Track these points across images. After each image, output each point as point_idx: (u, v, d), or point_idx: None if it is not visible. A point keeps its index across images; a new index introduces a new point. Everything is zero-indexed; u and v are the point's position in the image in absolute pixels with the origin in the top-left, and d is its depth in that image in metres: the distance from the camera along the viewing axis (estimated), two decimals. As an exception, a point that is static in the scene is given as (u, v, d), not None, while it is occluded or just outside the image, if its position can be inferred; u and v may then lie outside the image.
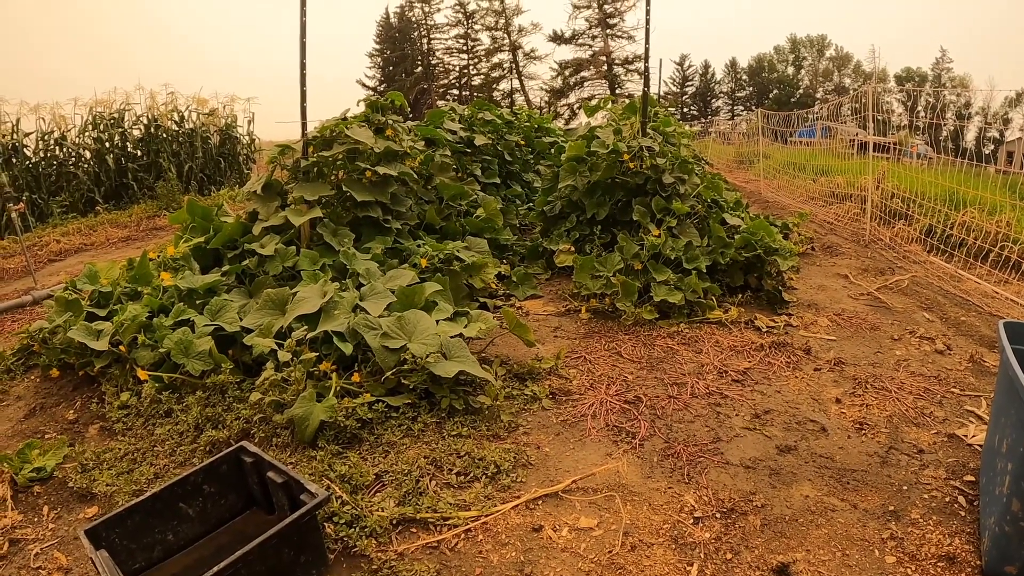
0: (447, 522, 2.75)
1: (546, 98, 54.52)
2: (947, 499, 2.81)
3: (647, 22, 6.30)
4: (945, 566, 2.41)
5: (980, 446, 3.17)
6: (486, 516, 2.78)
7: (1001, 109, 56.01)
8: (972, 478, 2.94)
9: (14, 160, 11.85)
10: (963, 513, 2.72)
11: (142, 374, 3.81)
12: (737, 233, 5.76)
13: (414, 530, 2.72)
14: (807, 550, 2.53)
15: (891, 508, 2.76)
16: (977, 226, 6.41)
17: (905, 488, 2.90)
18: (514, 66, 55.18)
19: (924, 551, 2.49)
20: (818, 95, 69.58)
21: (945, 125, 7.40)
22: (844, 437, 3.36)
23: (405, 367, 3.61)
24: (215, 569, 2.06)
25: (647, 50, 6.40)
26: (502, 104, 43.42)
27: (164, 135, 14.10)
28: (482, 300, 5.51)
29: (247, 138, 16.17)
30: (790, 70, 74.80)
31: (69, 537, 2.85)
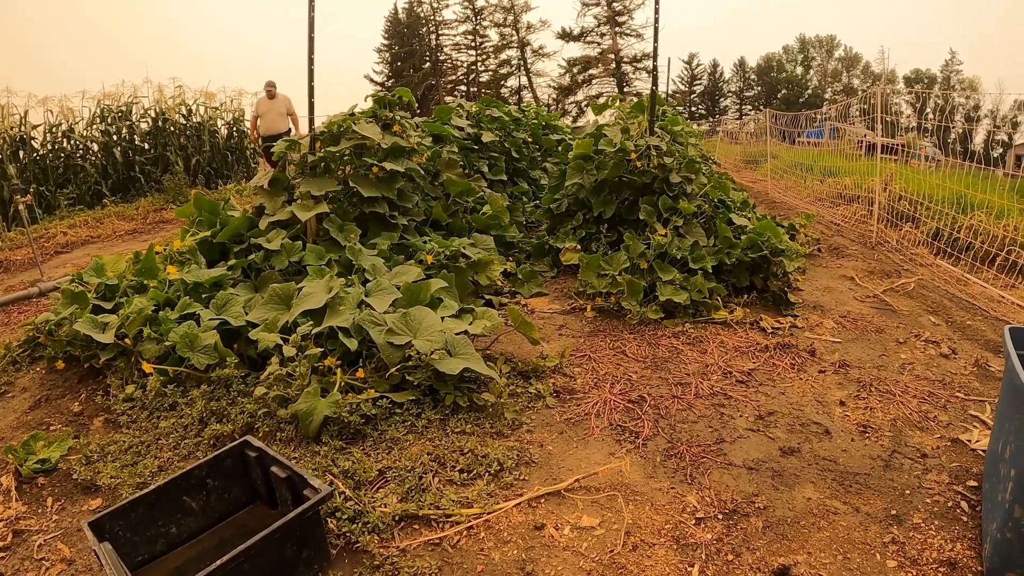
0: (449, 519, 2.76)
1: (554, 95, 54.35)
2: (950, 504, 2.81)
3: (656, 20, 6.29)
4: (946, 571, 2.41)
5: (983, 451, 3.16)
6: (488, 513, 2.79)
7: (1010, 112, 55.77)
8: (975, 483, 2.94)
9: (22, 152, 11.87)
10: (965, 518, 2.71)
11: (147, 367, 3.82)
12: (744, 233, 5.75)
13: (416, 526, 2.73)
14: (808, 553, 2.53)
15: (893, 512, 2.76)
16: (984, 230, 6.38)
17: (908, 492, 2.90)
18: (522, 63, 55.00)
19: (925, 556, 2.49)
20: (827, 95, 69.27)
21: (954, 128, 7.35)
22: (847, 440, 3.35)
23: (410, 363, 3.61)
24: (218, 563, 2.08)
25: (655, 48, 6.40)
26: (510, 101, 43.54)
27: (171, 128, 14.12)
28: (487, 297, 5.52)
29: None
30: (799, 70, 74.50)
31: (73, 529, 2.87)
